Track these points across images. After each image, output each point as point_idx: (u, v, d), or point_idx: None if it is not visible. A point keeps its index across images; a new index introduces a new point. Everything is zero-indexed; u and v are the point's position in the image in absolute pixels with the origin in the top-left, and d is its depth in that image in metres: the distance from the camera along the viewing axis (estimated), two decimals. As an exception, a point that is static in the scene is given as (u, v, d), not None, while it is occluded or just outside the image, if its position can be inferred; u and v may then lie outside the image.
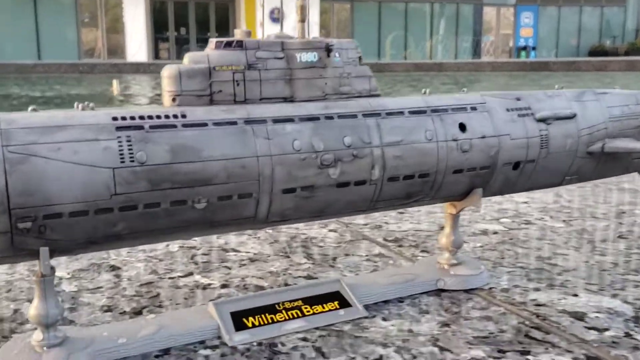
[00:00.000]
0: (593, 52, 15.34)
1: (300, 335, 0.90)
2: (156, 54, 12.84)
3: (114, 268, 1.17)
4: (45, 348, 0.81)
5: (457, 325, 0.94)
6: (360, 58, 0.98)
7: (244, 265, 1.19)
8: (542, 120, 1.09)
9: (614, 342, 0.88)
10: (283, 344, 0.88)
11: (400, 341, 0.89)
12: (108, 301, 1.02)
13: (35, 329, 0.82)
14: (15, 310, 0.99)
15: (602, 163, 1.18)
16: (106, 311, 0.99)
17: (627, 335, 0.90)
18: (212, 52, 0.88)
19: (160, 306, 1.00)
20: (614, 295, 1.04)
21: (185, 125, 0.81)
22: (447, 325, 0.94)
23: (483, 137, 1.01)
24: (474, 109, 1.03)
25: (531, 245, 1.32)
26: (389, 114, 0.96)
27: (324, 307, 0.97)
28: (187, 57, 0.87)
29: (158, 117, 0.80)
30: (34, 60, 11.34)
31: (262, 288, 1.08)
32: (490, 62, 13.87)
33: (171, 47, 12.86)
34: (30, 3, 11.81)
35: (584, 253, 1.27)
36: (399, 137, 0.95)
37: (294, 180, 0.87)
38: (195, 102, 0.86)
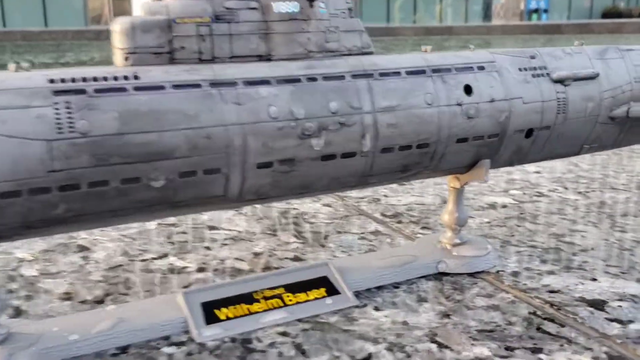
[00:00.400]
0: (607, 14, 14.93)
1: (280, 329, 0.79)
2: (162, 19, 12.63)
3: (82, 249, 1.06)
4: (-16, 347, 0.71)
5: (459, 316, 0.82)
6: (350, 9, 0.85)
7: (226, 245, 1.08)
8: (560, 81, 0.95)
9: (640, 338, 0.76)
10: (259, 340, 0.77)
11: (394, 336, 0.78)
12: (69, 288, 0.92)
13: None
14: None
15: (627, 129, 1.05)
16: (65, 299, 0.88)
17: (656, 328, 0.79)
18: (172, 1, 0.74)
19: (126, 294, 0.89)
20: (639, 280, 0.92)
21: (137, 88, 0.69)
22: (447, 316, 0.82)
23: (491, 100, 0.88)
24: (481, 68, 0.90)
25: (544, 220, 1.19)
26: (382, 74, 0.82)
27: (308, 295, 0.86)
28: (143, 8, 0.74)
29: (105, 78, 0.68)
30: (41, 27, 11.24)
31: (242, 272, 0.97)
32: (501, 25, 13.54)
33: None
34: (38, -29, 11.68)
35: (603, 230, 1.14)
36: (394, 102, 0.82)
37: (270, 153, 0.75)
38: (152, 60, 0.73)
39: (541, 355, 0.73)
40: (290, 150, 0.76)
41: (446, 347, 0.75)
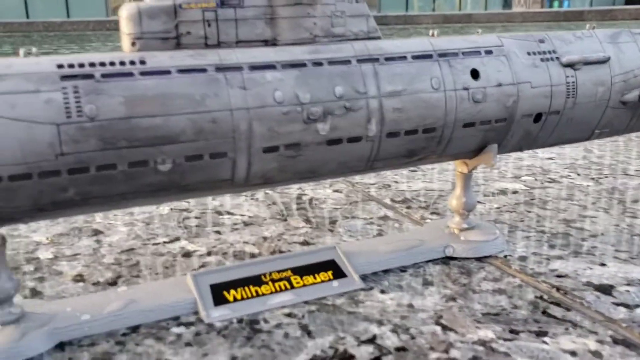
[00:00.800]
0: (630, 0, 14.65)
1: (287, 311, 0.80)
2: (182, 9, 12.70)
3: (96, 232, 1.08)
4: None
5: (464, 300, 0.83)
6: (356, -6, 0.85)
7: (237, 229, 1.09)
8: (569, 65, 0.94)
9: (645, 321, 0.76)
10: (266, 321, 0.78)
11: (399, 318, 0.78)
12: (83, 270, 0.94)
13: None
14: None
15: (639, 114, 1.04)
16: (78, 281, 0.90)
17: (662, 312, 0.78)
18: (178, -13, 0.75)
19: (138, 276, 0.91)
20: (647, 265, 0.92)
21: (143, 73, 0.70)
22: (453, 299, 0.83)
23: (499, 85, 0.88)
24: (489, 52, 0.89)
25: (555, 206, 1.19)
26: (388, 59, 0.83)
27: (315, 278, 0.87)
28: (150, -6, 0.75)
29: (112, 63, 0.69)
30: (63, 18, 11.37)
31: (252, 256, 0.98)
32: (522, 12, 13.37)
33: (197, 2, 12.69)
34: (59, -39, 11.81)
35: (614, 215, 1.14)
36: (399, 86, 0.82)
37: (275, 138, 0.76)
38: (159, 46, 0.74)
39: (545, 339, 0.73)
40: (296, 135, 0.77)
41: (451, 329, 0.76)
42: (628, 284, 0.86)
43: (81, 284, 0.89)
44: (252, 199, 1.25)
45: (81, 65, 0.68)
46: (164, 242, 1.04)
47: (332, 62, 0.79)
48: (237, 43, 0.77)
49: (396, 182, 1.36)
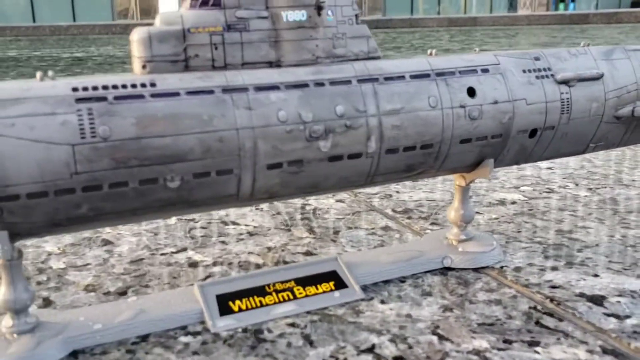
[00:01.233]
0: (636, 3, 14.64)
1: (290, 320, 0.84)
2: (188, 14, 12.79)
3: (106, 243, 1.12)
4: (15, 335, 0.77)
5: (461, 310, 0.86)
6: (357, 16, 0.89)
7: (242, 240, 1.13)
8: (564, 82, 0.98)
9: (635, 332, 0.79)
10: (270, 331, 0.81)
11: (397, 328, 0.82)
12: (94, 280, 0.97)
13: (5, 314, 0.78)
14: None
15: (634, 128, 1.07)
16: (90, 291, 0.94)
17: (651, 323, 0.81)
18: (186, 12, 0.79)
19: (147, 286, 0.95)
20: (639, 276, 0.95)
21: (154, 95, 0.74)
22: (450, 309, 0.86)
23: (495, 102, 0.91)
24: (485, 71, 0.93)
25: (552, 217, 1.22)
26: (387, 78, 0.86)
27: (317, 289, 0.90)
28: (159, 18, 0.79)
29: (124, 86, 0.73)
30: (69, 22, 11.46)
31: (257, 266, 1.01)
32: (527, 15, 13.37)
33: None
34: (65, -34, 11.91)
35: (609, 226, 1.17)
36: (398, 105, 0.85)
37: (279, 155, 0.79)
38: (168, 68, 0.78)
39: (537, 348, 0.76)
40: (299, 152, 0.80)
41: (447, 339, 0.79)
42: (620, 295, 0.89)
43: (92, 293, 0.93)
44: (257, 209, 1.29)
45: (95, 88, 0.72)
46: (172, 253, 1.07)
47: (333, 83, 0.83)
48: (243, 65, 0.81)
49: (398, 192, 1.40)
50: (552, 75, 0.97)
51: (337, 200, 1.34)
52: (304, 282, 0.91)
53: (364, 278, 0.94)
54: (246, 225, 1.20)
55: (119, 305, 0.86)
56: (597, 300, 0.88)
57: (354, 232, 1.17)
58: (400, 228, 1.18)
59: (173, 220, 1.22)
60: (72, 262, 1.04)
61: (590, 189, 1.41)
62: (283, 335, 0.80)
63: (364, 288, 0.92)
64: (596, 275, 0.96)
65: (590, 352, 0.75)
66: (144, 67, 0.77)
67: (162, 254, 1.07)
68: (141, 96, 0.73)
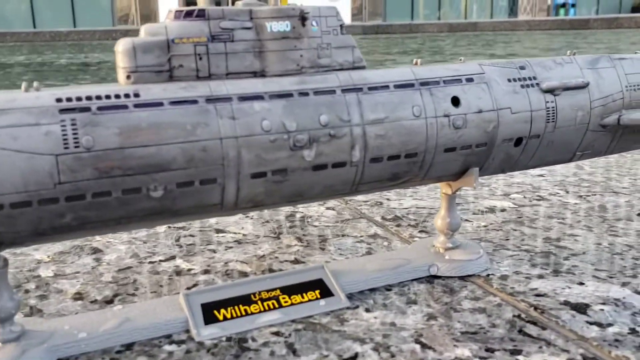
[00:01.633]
0: (637, 8, 14.67)
1: (274, 329, 0.84)
2: (188, 19, 12.82)
3: (95, 251, 1.13)
4: (0, 343, 0.77)
5: (445, 318, 0.86)
6: (342, 26, 0.89)
7: (231, 248, 1.13)
8: (549, 91, 0.98)
9: (616, 340, 0.79)
10: (254, 339, 0.82)
11: (381, 336, 0.82)
12: (82, 288, 0.98)
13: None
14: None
15: (620, 137, 1.08)
16: (77, 299, 0.94)
17: (633, 331, 0.82)
18: (170, 22, 0.80)
19: (134, 294, 0.95)
20: (624, 284, 0.95)
21: (137, 105, 0.74)
22: (434, 318, 0.86)
23: (479, 111, 0.92)
24: (470, 80, 0.93)
25: (540, 224, 1.23)
26: (371, 88, 0.87)
27: (303, 297, 0.91)
28: (143, 29, 0.79)
29: (107, 97, 0.74)
30: (69, 27, 11.50)
31: (244, 274, 1.02)
32: (527, 20, 13.40)
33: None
34: (66, -29, 11.95)
35: (597, 234, 1.17)
36: (382, 114, 0.86)
37: (263, 164, 0.80)
38: (153, 78, 0.78)
39: (519, 357, 0.77)
40: (283, 161, 0.81)
41: (430, 347, 0.79)
42: (603, 303, 0.89)
43: (80, 302, 0.94)
44: (246, 216, 1.29)
45: (79, 99, 0.72)
46: (160, 261, 1.08)
47: (317, 92, 0.84)
48: (227, 75, 0.81)
49: (388, 199, 1.40)
50: (537, 84, 0.98)
51: (327, 208, 1.35)
52: (290, 290, 0.92)
53: (350, 286, 0.94)
54: (235, 233, 1.21)
55: (105, 313, 0.86)
56: (581, 308, 0.88)
57: (343, 239, 1.17)
58: (389, 236, 1.19)
59: (163, 228, 1.23)
60: (61, 270, 1.05)
61: (581, 196, 1.41)
62: (267, 344, 0.81)
63: (350, 296, 0.92)
64: (582, 284, 0.96)
65: (572, 360, 0.76)
66: (128, 77, 0.78)
67: (150, 262, 1.07)
68: (124, 106, 0.74)
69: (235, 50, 0.82)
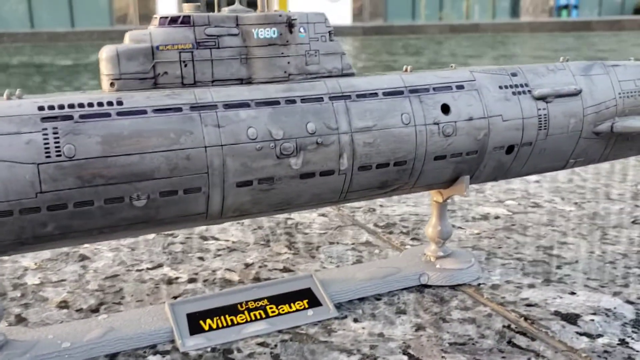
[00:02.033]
0: (639, 10, 14.63)
1: (260, 340, 0.83)
2: (187, 20, 12.80)
3: (83, 258, 1.12)
4: (-19, 354, 0.76)
5: (434, 329, 0.85)
6: (330, 33, 0.88)
7: (219, 255, 1.12)
8: (542, 98, 0.97)
9: (605, 352, 0.78)
10: (239, 350, 0.81)
11: (368, 347, 0.81)
12: (68, 296, 0.97)
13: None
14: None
15: (613, 144, 1.07)
16: (63, 308, 0.93)
17: (622, 342, 0.80)
18: (155, 29, 0.79)
19: (119, 303, 0.94)
20: (616, 294, 0.94)
21: (120, 114, 0.73)
22: (423, 328, 0.85)
23: (470, 119, 0.91)
24: (460, 87, 0.92)
25: (534, 232, 1.21)
26: (360, 95, 0.86)
27: (291, 307, 0.90)
28: (128, 36, 0.78)
29: (90, 105, 0.73)
30: (67, 27, 11.50)
31: (232, 283, 1.01)
32: (529, 22, 13.37)
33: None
34: (64, -30, 11.95)
35: (590, 242, 1.16)
36: (370, 122, 0.85)
37: (249, 172, 0.79)
38: (137, 86, 0.77)
39: (507, 369, 0.76)
40: (269, 170, 0.80)
41: (417, 359, 0.78)
42: (594, 313, 0.88)
43: (65, 310, 0.92)
44: (238, 223, 1.28)
45: (61, 107, 0.71)
46: (148, 269, 1.07)
47: (304, 100, 0.83)
48: (213, 82, 0.81)
49: (382, 206, 1.39)
50: (529, 91, 0.97)
51: (320, 215, 1.34)
52: (278, 300, 0.91)
53: (339, 296, 0.93)
54: (226, 240, 1.20)
55: (89, 323, 0.85)
56: (571, 318, 0.87)
57: (334, 247, 1.16)
58: (381, 243, 1.18)
59: (152, 235, 1.22)
60: (48, 278, 1.04)
61: (576, 203, 1.40)
62: (252, 355, 0.80)
63: (338, 306, 0.91)
64: (573, 293, 0.95)
65: (560, 373, 0.75)
66: (112, 84, 0.77)
67: (137, 270, 1.06)
68: (107, 114, 0.73)
69: (221, 57, 0.81)
